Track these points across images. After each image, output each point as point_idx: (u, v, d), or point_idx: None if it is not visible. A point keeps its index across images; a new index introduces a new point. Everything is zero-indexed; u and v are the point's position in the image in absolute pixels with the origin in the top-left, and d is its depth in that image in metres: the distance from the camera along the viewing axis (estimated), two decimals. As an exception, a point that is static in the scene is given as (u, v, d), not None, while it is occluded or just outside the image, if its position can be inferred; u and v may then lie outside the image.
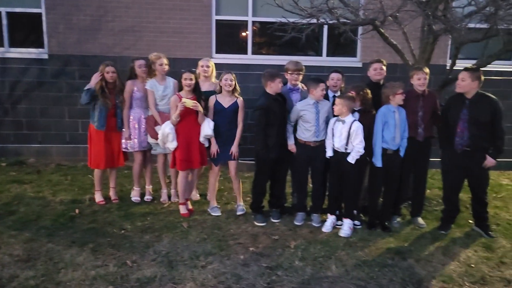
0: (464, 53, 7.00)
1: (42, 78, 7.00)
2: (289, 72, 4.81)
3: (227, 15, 7.17)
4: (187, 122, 4.73)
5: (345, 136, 4.40)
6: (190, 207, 5.05)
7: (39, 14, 6.91)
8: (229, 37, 7.33)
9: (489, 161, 4.38)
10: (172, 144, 4.73)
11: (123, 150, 5.18)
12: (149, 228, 4.50)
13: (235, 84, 4.80)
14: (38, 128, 7.14)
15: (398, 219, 4.90)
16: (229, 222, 4.75)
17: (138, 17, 6.91)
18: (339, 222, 4.71)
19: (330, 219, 4.69)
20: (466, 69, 4.35)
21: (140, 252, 3.94)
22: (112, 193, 5.33)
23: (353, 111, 4.50)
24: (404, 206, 5.19)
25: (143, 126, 5.12)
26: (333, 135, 4.51)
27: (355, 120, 4.41)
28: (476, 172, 4.45)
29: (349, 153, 4.43)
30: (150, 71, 5.14)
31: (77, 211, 4.90)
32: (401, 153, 4.59)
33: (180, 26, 6.97)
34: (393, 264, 3.88)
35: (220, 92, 4.84)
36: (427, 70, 4.62)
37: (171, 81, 5.14)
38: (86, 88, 4.92)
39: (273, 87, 4.58)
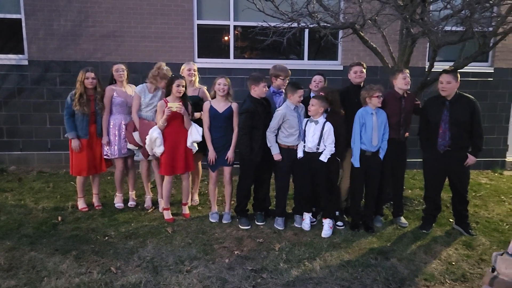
0: (442, 55, 7.16)
1: (23, 85, 6.91)
2: (280, 77, 4.86)
3: (208, 19, 7.19)
4: (173, 127, 4.71)
5: (317, 136, 4.51)
6: (187, 211, 5.08)
7: (19, 20, 6.83)
8: (211, 42, 7.35)
9: (471, 159, 4.51)
10: (159, 149, 4.71)
11: (104, 157, 5.14)
12: (133, 234, 4.48)
13: (229, 88, 4.77)
14: (19, 135, 7.04)
15: (381, 219, 4.97)
16: (214, 226, 4.75)
17: (119, 22, 6.88)
18: (313, 219, 4.85)
19: (307, 217, 4.76)
20: (446, 71, 4.45)
21: (124, 258, 3.92)
22: (95, 200, 5.29)
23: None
24: (386, 206, 5.27)
25: (123, 132, 5.08)
26: (304, 136, 4.60)
27: (326, 121, 4.53)
28: (457, 170, 4.55)
29: (320, 153, 4.53)
30: (153, 77, 5.03)
31: (59, 218, 4.84)
32: (381, 155, 4.66)
33: (161, 31, 6.96)
34: (376, 264, 3.93)
35: (214, 97, 4.82)
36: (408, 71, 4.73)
37: (159, 91, 5.10)
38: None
39: (257, 90, 4.60)
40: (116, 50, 6.92)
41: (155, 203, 5.39)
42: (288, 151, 4.68)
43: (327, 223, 4.62)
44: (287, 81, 4.88)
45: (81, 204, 5.18)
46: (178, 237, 4.42)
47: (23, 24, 6.82)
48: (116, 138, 5.07)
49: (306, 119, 4.62)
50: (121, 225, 4.71)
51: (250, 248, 4.22)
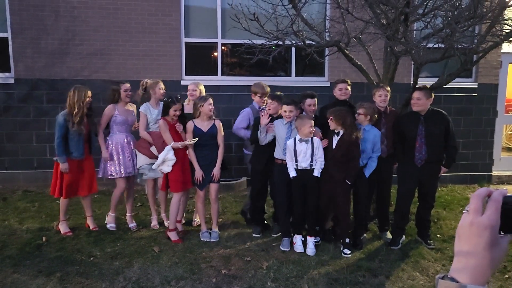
0: (427, 72, 7.28)
1: (9, 103, 6.86)
2: (258, 95, 5.08)
3: (196, 37, 7.24)
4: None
5: (310, 153, 4.49)
6: (181, 229, 5.06)
7: (6, 39, 6.81)
8: (198, 59, 7.38)
9: (444, 170, 4.66)
10: (168, 169, 4.66)
11: (109, 177, 5.05)
12: (119, 254, 4.42)
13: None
14: (5, 154, 6.96)
15: (365, 235, 4.99)
16: (201, 245, 4.71)
17: (107, 40, 6.90)
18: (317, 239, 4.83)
19: (298, 239, 4.67)
20: (419, 88, 4.60)
21: (109, 279, 3.86)
22: (90, 222, 5.11)
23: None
24: (374, 222, 5.28)
25: (127, 152, 5.05)
26: (295, 156, 4.54)
27: (313, 136, 4.53)
28: (430, 182, 4.65)
29: (313, 169, 4.53)
30: (146, 96, 5.20)
31: (44, 239, 4.77)
32: (366, 173, 4.67)
33: (149, 48, 6.99)
34: (364, 282, 3.92)
35: (198, 116, 4.75)
36: (388, 88, 4.81)
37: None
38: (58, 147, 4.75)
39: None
40: (104, 68, 6.92)
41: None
42: (279, 166, 4.67)
43: (311, 241, 4.59)
44: (265, 99, 5.04)
45: (64, 228, 4.98)
46: (164, 256, 4.37)
47: (10, 43, 6.79)
48: (120, 157, 5.02)
49: (291, 140, 4.53)
50: (107, 245, 4.65)
51: (238, 267, 4.19)
